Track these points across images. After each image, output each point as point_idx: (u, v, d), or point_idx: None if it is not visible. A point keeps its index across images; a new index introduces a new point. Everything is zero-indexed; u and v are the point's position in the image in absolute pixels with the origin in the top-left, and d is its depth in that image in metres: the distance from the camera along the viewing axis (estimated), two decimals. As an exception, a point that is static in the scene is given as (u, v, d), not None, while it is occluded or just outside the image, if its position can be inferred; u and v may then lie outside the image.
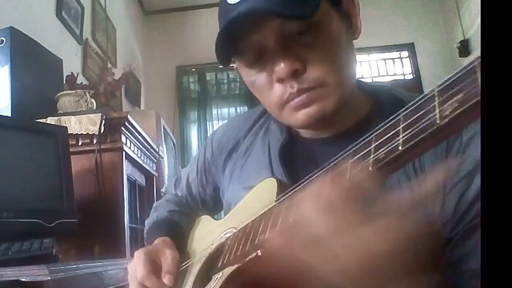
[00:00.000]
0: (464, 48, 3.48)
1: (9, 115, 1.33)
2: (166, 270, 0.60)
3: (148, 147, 1.90)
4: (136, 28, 3.80)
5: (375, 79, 3.98)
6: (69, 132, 1.33)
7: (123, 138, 1.54)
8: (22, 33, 1.47)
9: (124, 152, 1.53)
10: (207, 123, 3.89)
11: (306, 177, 0.44)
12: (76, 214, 1.18)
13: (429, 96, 0.32)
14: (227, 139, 0.72)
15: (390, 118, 0.35)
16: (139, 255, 0.61)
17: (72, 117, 1.45)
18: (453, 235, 0.45)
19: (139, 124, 1.66)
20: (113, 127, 1.49)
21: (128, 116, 1.52)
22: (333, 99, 0.53)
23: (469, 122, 0.29)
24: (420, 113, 0.31)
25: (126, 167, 1.58)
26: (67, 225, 1.13)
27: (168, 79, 3.98)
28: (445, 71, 3.37)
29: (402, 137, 0.32)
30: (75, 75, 1.83)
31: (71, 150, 1.28)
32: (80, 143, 1.44)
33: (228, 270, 0.49)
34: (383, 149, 0.33)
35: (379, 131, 0.35)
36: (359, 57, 3.49)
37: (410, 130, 0.32)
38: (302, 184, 0.45)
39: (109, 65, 2.66)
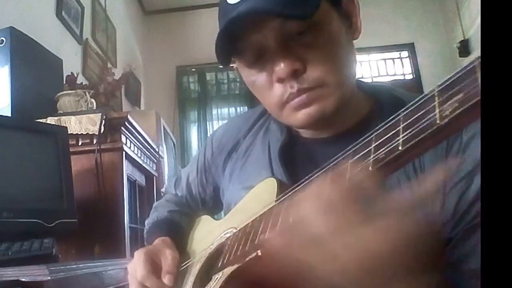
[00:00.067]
0: (464, 48, 3.48)
1: (9, 115, 1.33)
2: (166, 270, 0.60)
3: (148, 147, 1.90)
4: (136, 28, 3.80)
5: (375, 79, 3.98)
6: (69, 132, 1.33)
7: (123, 138, 1.54)
8: (22, 33, 1.47)
9: (124, 152, 1.53)
10: (207, 123, 3.89)
11: (306, 177, 0.44)
12: (76, 214, 1.18)
13: (429, 96, 0.32)
14: (227, 139, 0.72)
15: (390, 118, 0.35)
16: (139, 255, 0.61)
17: (72, 117, 1.45)
18: (453, 235, 0.45)
19: (139, 124, 1.66)
20: (113, 127, 1.49)
21: (128, 116, 1.52)
22: (333, 99, 0.53)
23: (469, 122, 0.29)
24: (420, 113, 0.31)
25: (126, 167, 1.58)
26: (67, 225, 1.13)
27: (168, 79, 3.98)
28: (445, 71, 3.37)
29: (402, 137, 0.32)
30: (75, 75, 1.83)
31: (71, 150, 1.28)
32: (80, 143, 1.44)
33: (228, 270, 0.49)
34: (383, 149, 0.33)
35: (379, 131, 0.35)
36: (359, 57, 3.49)
37: (410, 130, 0.32)
38: (302, 184, 0.45)
39: (109, 65, 2.66)
